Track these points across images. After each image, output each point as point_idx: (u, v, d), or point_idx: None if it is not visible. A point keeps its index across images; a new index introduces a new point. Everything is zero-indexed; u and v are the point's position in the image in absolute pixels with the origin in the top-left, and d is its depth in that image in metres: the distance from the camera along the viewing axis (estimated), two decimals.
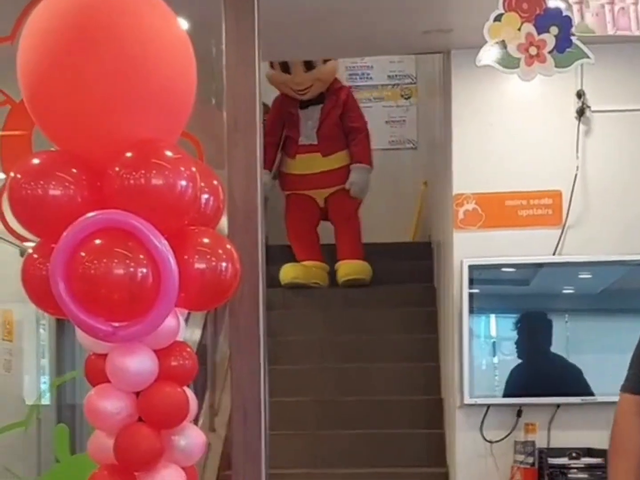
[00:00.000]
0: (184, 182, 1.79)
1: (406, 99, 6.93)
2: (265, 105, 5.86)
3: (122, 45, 1.76)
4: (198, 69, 1.94)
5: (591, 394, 4.01)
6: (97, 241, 1.76)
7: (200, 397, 4.66)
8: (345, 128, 5.67)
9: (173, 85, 1.84)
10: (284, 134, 5.74)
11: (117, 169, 1.76)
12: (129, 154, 1.76)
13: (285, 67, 5.63)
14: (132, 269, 1.76)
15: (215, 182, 2.07)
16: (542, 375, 4.15)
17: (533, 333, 4.18)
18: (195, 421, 4.41)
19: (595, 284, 4.15)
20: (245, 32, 2.33)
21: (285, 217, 5.80)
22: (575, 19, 2.64)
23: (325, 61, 5.63)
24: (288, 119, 5.72)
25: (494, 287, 4.18)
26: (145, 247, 1.77)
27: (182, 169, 1.79)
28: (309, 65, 5.60)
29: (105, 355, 1.93)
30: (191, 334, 4.52)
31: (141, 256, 1.77)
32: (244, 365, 2.40)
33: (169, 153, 1.80)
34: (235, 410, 2.47)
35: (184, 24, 2.95)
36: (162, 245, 1.79)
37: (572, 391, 4.04)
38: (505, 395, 4.08)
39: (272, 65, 5.68)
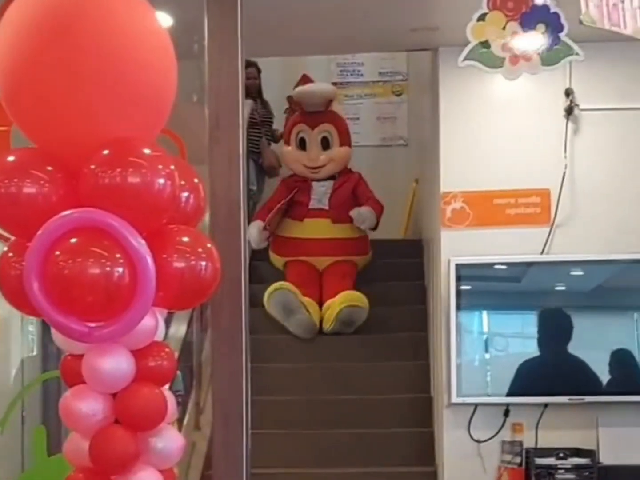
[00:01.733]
0: (161, 180, 1.76)
1: (397, 95, 6.91)
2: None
3: (99, 42, 1.73)
4: (180, 66, 1.91)
5: (580, 393, 3.99)
6: (73, 240, 1.73)
7: (185, 394, 4.64)
8: (359, 201, 5.56)
9: (152, 82, 1.82)
10: (292, 197, 5.60)
11: (93, 167, 1.73)
12: (105, 152, 1.74)
13: (302, 144, 5.65)
14: (108, 269, 1.73)
15: (195, 180, 2.04)
16: (558, 372, 4.11)
17: (549, 330, 4.15)
18: (181, 419, 4.40)
19: (587, 281, 4.13)
20: (229, 29, 2.30)
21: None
22: (582, 7, 2.60)
23: (341, 144, 5.65)
24: (300, 187, 5.61)
25: (483, 284, 4.16)
26: (121, 246, 1.75)
27: (160, 166, 1.77)
28: (325, 145, 5.61)
29: (81, 356, 1.91)
30: (176, 331, 4.49)
31: (117, 255, 1.74)
32: (225, 367, 2.38)
33: (146, 151, 1.77)
34: (216, 413, 2.45)
35: (166, 20, 2.93)
36: (139, 244, 1.76)
37: (563, 390, 4.02)
38: (509, 394, 4.05)
39: (287, 141, 5.76)
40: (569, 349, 4.07)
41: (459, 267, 3.98)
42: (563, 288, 4.22)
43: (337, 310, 5.16)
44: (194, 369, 4.66)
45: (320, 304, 5.33)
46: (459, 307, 4.02)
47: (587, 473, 3.80)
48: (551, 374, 4.11)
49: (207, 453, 4.38)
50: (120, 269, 1.75)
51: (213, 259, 1.98)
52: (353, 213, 5.41)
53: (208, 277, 1.95)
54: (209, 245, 1.99)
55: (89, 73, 1.72)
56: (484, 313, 4.19)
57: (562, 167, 4.09)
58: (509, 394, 4.05)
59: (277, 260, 5.57)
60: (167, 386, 2.08)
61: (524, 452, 3.98)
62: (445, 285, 4.06)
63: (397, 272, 5.46)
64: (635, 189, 4.11)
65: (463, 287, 4.03)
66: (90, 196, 1.73)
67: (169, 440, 2.04)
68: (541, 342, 4.10)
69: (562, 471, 3.85)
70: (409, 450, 4.70)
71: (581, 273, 4.12)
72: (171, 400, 2.04)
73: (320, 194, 5.58)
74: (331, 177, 5.63)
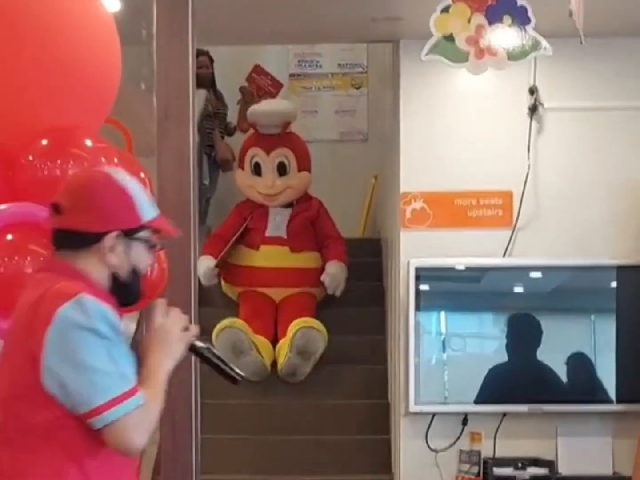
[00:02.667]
0: None
1: (357, 88, 6.89)
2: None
3: (37, 27, 1.69)
4: (128, 52, 1.87)
5: (547, 401, 4.02)
6: (9, 237, 1.70)
7: None
8: (319, 235, 5.33)
9: (95, 69, 1.79)
10: (246, 225, 5.28)
11: (30, 158, 1.70)
12: (44, 142, 1.70)
13: (257, 169, 5.34)
14: None
15: (142, 175, 2.01)
16: (519, 379, 4.12)
17: (519, 335, 4.16)
18: None
19: (546, 283, 4.16)
20: (179, 15, 2.26)
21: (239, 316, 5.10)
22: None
23: (300, 170, 5.34)
24: (254, 214, 5.30)
25: (443, 285, 4.17)
26: None
27: (103, 159, 1.73)
28: (282, 170, 5.30)
29: None
30: (125, 328, 4.40)
31: None
32: (174, 377, 2.33)
33: (88, 142, 1.74)
34: (163, 421, 2.40)
35: (113, 4, 2.87)
36: None
37: (523, 399, 4.04)
38: (468, 402, 4.05)
39: (241, 165, 5.45)
40: (536, 355, 4.09)
41: (418, 269, 3.98)
42: (522, 290, 4.23)
43: (290, 337, 4.81)
44: None
45: (275, 342, 5.01)
46: (417, 309, 4.02)
47: None
48: (512, 381, 4.13)
49: (157, 458, 4.33)
50: None
51: (160, 259, 1.95)
52: (324, 279, 5.09)
53: (154, 278, 1.93)
54: None
55: (26, 59, 1.68)
56: (443, 315, 4.19)
57: (525, 168, 4.10)
58: (467, 402, 4.06)
59: (230, 290, 5.30)
60: None
61: (481, 461, 3.99)
62: (404, 287, 4.05)
63: (355, 272, 5.43)
64: (599, 192, 4.14)
65: (422, 288, 4.03)
66: (27, 189, 1.70)
67: None
68: (507, 348, 4.12)
69: None
70: (365, 458, 4.69)
71: (541, 275, 4.14)
72: None
73: (278, 221, 5.30)
74: (289, 205, 5.35)
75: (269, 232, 5.26)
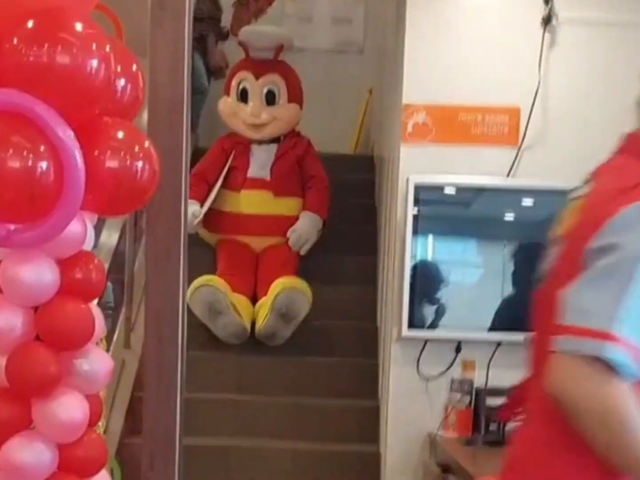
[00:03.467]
0: (95, 62, 1.64)
1: None
2: None
3: None
4: None
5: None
6: None
7: (115, 308, 4.55)
8: (304, 175, 5.10)
9: None
10: (228, 166, 5.03)
11: (15, 42, 1.60)
12: (29, 25, 1.60)
13: (243, 96, 5.12)
14: (30, 163, 1.62)
15: (134, 67, 1.93)
16: (517, 308, 4.07)
17: (527, 264, 4.10)
18: (110, 335, 4.32)
19: (549, 209, 4.09)
20: None
21: (216, 267, 4.94)
22: None
23: (290, 101, 5.13)
24: (237, 150, 5.07)
25: (441, 207, 4.10)
26: (46, 137, 1.63)
27: (94, 46, 1.65)
28: (270, 99, 5.09)
29: None
30: (107, 238, 4.34)
31: (42, 148, 1.63)
32: (161, 282, 2.29)
33: (78, 26, 1.64)
34: (149, 332, 2.37)
35: None
36: (66, 136, 1.65)
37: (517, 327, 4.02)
38: (462, 329, 4.03)
39: (227, 91, 5.22)
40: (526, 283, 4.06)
41: (417, 187, 3.91)
42: (525, 215, 4.17)
43: (271, 299, 4.62)
44: (126, 282, 4.53)
45: (255, 298, 4.85)
46: (415, 230, 3.96)
47: None
48: (509, 310, 4.10)
49: (138, 373, 4.34)
50: (45, 164, 1.65)
51: (151, 160, 1.89)
52: (290, 234, 4.93)
53: (145, 180, 1.87)
54: (147, 144, 1.89)
55: None
56: (440, 237, 4.14)
57: (535, 83, 4.01)
58: (461, 330, 4.04)
59: (208, 237, 5.12)
60: (95, 302, 1.99)
61: (474, 391, 4.00)
62: (401, 206, 3.99)
63: (345, 189, 5.38)
64: (610, 114, 4.06)
65: (421, 210, 3.97)
66: (11, 76, 1.61)
67: (96, 362, 1.97)
68: (505, 276, 4.09)
69: None
70: (351, 382, 4.71)
71: (545, 200, 4.07)
72: (99, 318, 1.97)
73: (262, 160, 5.05)
74: (275, 140, 5.13)
75: (251, 173, 5.02)
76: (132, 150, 1.82)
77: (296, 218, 4.98)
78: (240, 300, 4.71)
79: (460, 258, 4.24)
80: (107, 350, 3.61)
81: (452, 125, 4.02)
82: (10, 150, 1.59)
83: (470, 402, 3.98)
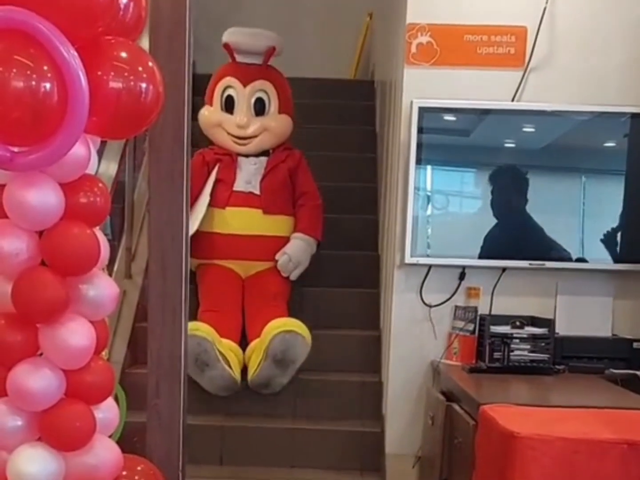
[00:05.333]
0: None
1: None
2: None
3: None
4: None
5: (540, 258, 4.03)
6: None
7: (116, 239, 4.57)
8: (296, 191, 4.66)
9: None
10: (211, 179, 4.57)
11: None
12: None
13: (229, 104, 4.64)
14: (33, 83, 1.62)
15: None
16: (519, 235, 4.11)
17: (506, 191, 4.12)
18: (110, 266, 4.35)
19: (556, 132, 4.10)
20: None
21: (197, 299, 4.42)
22: None
23: (281, 112, 4.69)
24: (222, 162, 4.61)
25: (444, 135, 4.09)
26: (50, 56, 1.63)
27: None
28: (260, 109, 4.65)
29: (2, 187, 1.82)
30: (106, 168, 4.31)
31: (45, 67, 1.63)
32: (164, 208, 2.31)
33: None
34: (153, 260, 2.40)
35: None
36: (70, 55, 1.65)
37: (521, 254, 4.05)
38: (455, 255, 4.04)
39: (209, 100, 4.70)
40: (529, 212, 4.08)
41: (421, 110, 3.90)
42: (534, 139, 4.17)
43: (265, 344, 4.13)
44: (126, 211, 4.53)
45: (243, 333, 4.40)
46: (419, 159, 3.97)
47: (543, 343, 3.88)
48: (511, 237, 4.13)
49: (139, 303, 4.39)
50: (48, 84, 1.65)
51: (155, 80, 1.89)
52: (279, 257, 4.48)
53: (149, 101, 1.87)
54: (150, 64, 1.89)
55: None
56: (444, 166, 4.15)
57: (542, 2, 3.97)
58: (466, 256, 4.07)
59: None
60: (98, 227, 2.02)
61: (478, 318, 4.04)
62: (405, 131, 3.98)
63: (345, 116, 5.37)
64: (619, 35, 4.03)
65: (424, 137, 3.97)
66: None
67: (102, 288, 2.00)
68: (502, 205, 4.10)
69: (517, 341, 3.90)
70: (353, 312, 4.76)
71: (552, 122, 4.07)
72: (104, 243, 1.99)
73: (250, 172, 4.58)
74: (264, 154, 4.67)
75: (238, 186, 4.55)
76: (135, 70, 1.82)
77: (287, 239, 4.56)
78: (229, 347, 4.24)
79: (462, 186, 4.25)
80: None
81: (457, 46, 3.99)
82: (14, 70, 1.59)
83: (474, 329, 4.02)
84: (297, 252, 4.51)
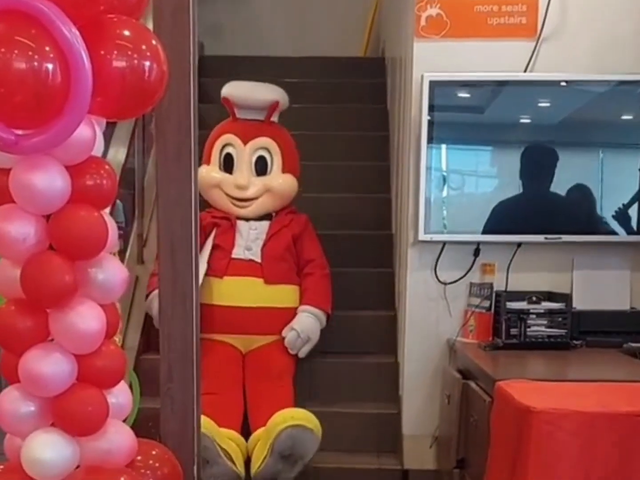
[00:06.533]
0: None
1: None
2: None
3: None
4: None
5: (555, 232, 4.02)
6: None
7: (127, 225, 4.56)
8: (301, 258, 4.34)
9: None
10: (208, 245, 4.23)
11: None
12: None
13: (228, 164, 4.32)
14: (36, 64, 1.63)
15: None
16: (534, 210, 4.09)
17: (533, 167, 4.10)
18: (122, 252, 4.35)
19: (572, 104, 4.07)
20: None
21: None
22: None
23: (284, 170, 4.34)
24: (219, 227, 4.28)
25: (451, 114, 4.07)
26: (51, 36, 1.63)
27: None
28: (261, 168, 4.31)
29: (8, 171, 1.83)
30: (115, 154, 4.29)
31: (47, 48, 1.64)
32: (172, 190, 2.31)
33: None
34: (162, 243, 2.40)
35: None
36: (72, 35, 1.65)
37: (537, 229, 4.04)
38: (470, 232, 4.03)
39: (207, 159, 4.35)
40: (550, 187, 4.06)
41: (432, 84, 3.88)
42: (549, 112, 4.14)
43: (271, 438, 3.79)
44: (136, 196, 4.52)
45: (245, 415, 4.06)
46: (430, 136, 3.95)
47: (560, 319, 3.88)
48: (526, 212, 4.12)
49: (151, 281, 4.39)
50: (50, 65, 1.65)
51: (159, 59, 1.88)
52: (286, 333, 4.16)
53: (153, 80, 1.87)
54: (154, 42, 1.89)
55: None
56: (456, 143, 4.12)
57: None
58: (480, 232, 4.05)
59: None
60: (107, 210, 2.02)
61: (493, 295, 4.03)
62: (416, 106, 3.96)
63: (356, 94, 5.35)
64: (635, 1, 4.00)
65: (436, 115, 3.95)
66: None
67: (111, 271, 2.01)
68: (520, 180, 4.09)
69: (533, 316, 3.89)
70: (368, 291, 4.76)
71: (566, 93, 4.04)
72: (112, 226, 1.99)
73: (250, 238, 4.26)
74: (266, 217, 4.33)
75: (237, 254, 4.21)
76: (139, 49, 1.81)
77: (292, 311, 4.22)
78: (230, 437, 3.91)
79: (476, 164, 4.23)
80: None
81: (467, 17, 3.96)
82: (15, 51, 1.59)
83: (490, 306, 4.02)
84: (306, 327, 4.19)
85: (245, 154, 4.29)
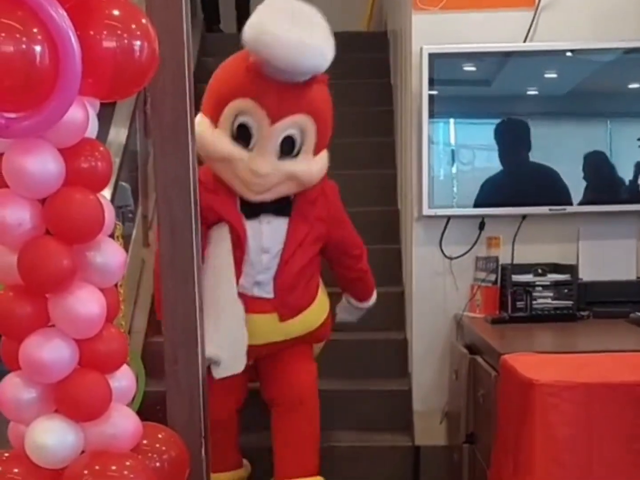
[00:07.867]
0: None
1: None
2: None
3: None
4: None
5: (560, 203, 3.99)
6: None
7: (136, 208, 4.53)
8: (331, 249, 3.54)
9: None
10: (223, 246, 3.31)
11: None
12: None
13: (243, 135, 3.13)
14: (24, 46, 1.61)
15: None
16: (538, 182, 4.07)
17: (512, 140, 4.07)
18: (129, 235, 4.32)
19: (575, 75, 4.03)
20: None
21: None
22: None
23: (317, 151, 3.30)
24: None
25: (453, 88, 4.03)
26: (39, 18, 1.61)
27: None
28: (287, 148, 3.20)
29: (0, 155, 1.81)
30: (116, 135, 4.27)
31: (35, 30, 1.62)
32: (170, 169, 2.29)
33: None
34: (161, 223, 2.39)
35: None
36: (60, 16, 1.63)
37: (541, 200, 4.01)
38: (475, 205, 4.01)
39: (209, 111, 3.18)
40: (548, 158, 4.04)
41: (432, 57, 3.84)
42: (536, 92, 4.10)
43: None
44: (139, 178, 4.51)
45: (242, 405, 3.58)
46: (431, 110, 3.92)
47: (566, 290, 3.86)
48: (530, 184, 4.08)
49: (156, 270, 4.38)
50: (39, 47, 1.63)
51: (150, 38, 1.87)
52: (340, 310, 3.81)
53: (144, 59, 1.85)
54: (144, 21, 1.87)
55: None
56: (459, 116, 4.09)
57: None
58: (484, 206, 4.03)
59: None
60: (108, 195, 2.01)
61: (499, 268, 4.01)
62: (416, 79, 3.92)
63: (360, 68, 5.30)
64: None
65: (436, 88, 3.92)
66: None
67: (109, 254, 1.99)
68: (513, 152, 4.06)
69: (540, 288, 3.88)
70: (374, 268, 4.73)
71: (570, 64, 4.00)
72: (109, 209, 1.98)
73: (261, 264, 3.29)
74: (282, 203, 3.33)
75: (242, 285, 3.27)
76: (129, 28, 1.80)
77: (319, 329, 3.58)
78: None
79: (478, 137, 4.19)
80: (126, 250, 3.58)
81: None
82: (2, 34, 1.58)
83: (496, 279, 4.00)
84: (352, 318, 3.92)
85: (272, 134, 3.14)
